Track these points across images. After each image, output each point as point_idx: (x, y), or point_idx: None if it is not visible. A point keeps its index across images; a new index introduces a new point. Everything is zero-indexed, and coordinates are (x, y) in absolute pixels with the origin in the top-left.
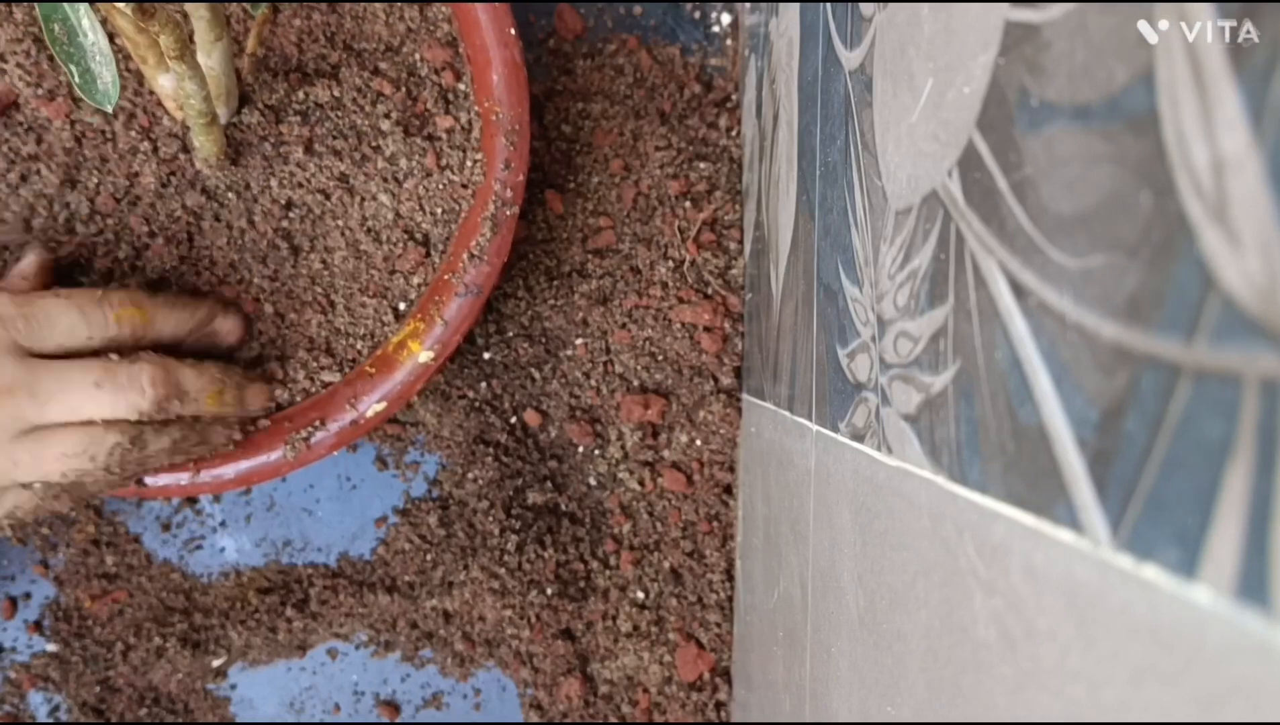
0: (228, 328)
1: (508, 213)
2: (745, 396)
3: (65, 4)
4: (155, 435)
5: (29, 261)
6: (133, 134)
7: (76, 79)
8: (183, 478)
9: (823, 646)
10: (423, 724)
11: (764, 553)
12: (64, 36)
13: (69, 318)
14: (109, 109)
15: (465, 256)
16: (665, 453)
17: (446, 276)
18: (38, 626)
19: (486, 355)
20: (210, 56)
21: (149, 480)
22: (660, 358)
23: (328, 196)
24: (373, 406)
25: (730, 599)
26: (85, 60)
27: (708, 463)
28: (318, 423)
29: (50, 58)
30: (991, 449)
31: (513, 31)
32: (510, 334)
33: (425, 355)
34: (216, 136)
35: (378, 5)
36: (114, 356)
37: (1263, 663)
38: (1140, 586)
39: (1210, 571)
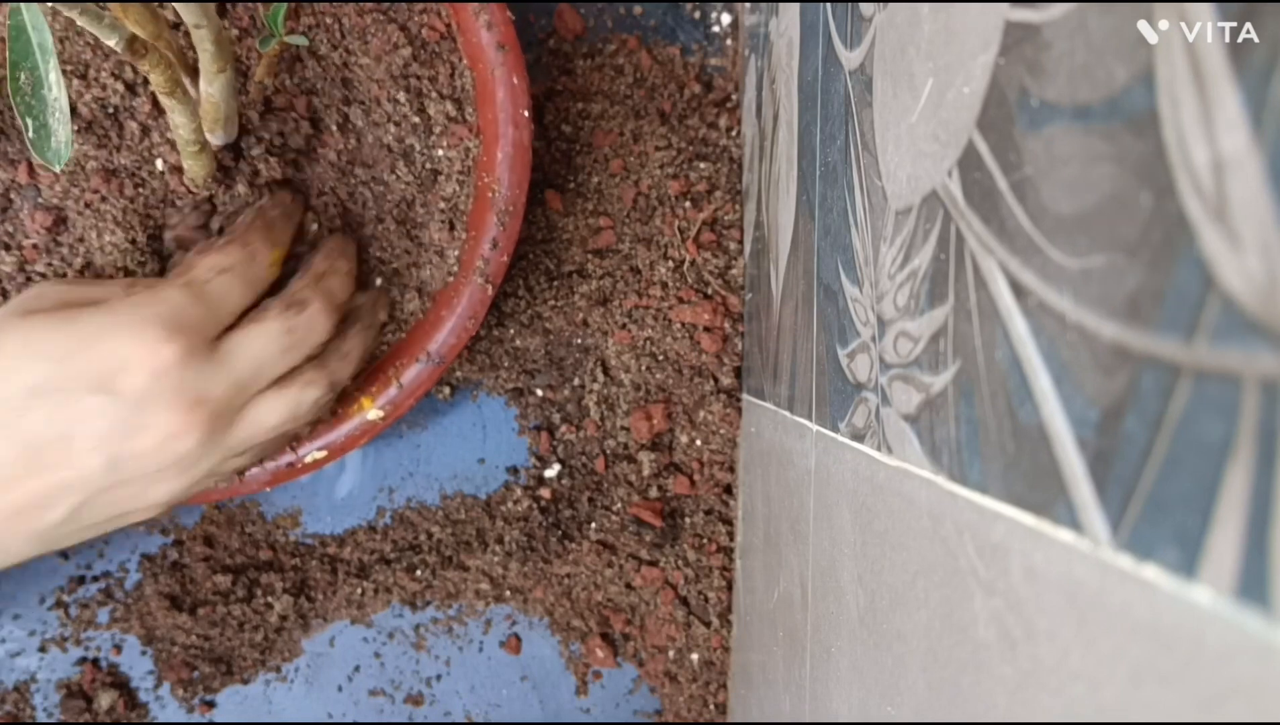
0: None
1: (489, 290)
2: (745, 396)
3: (38, 57)
4: (340, 362)
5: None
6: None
7: (31, 132)
8: None
9: (823, 646)
10: (446, 724)
11: (764, 552)
12: (28, 87)
13: (238, 293)
14: (57, 169)
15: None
16: (668, 455)
17: (413, 337)
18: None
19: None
20: (213, 85)
21: None
22: (660, 358)
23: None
24: (312, 453)
25: (729, 598)
26: (44, 115)
27: (708, 463)
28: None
29: None
30: (991, 449)
31: (526, 114)
32: (510, 333)
33: (375, 413)
34: (205, 162)
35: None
36: (288, 312)
37: (1263, 663)
38: (1140, 586)
39: (1210, 571)
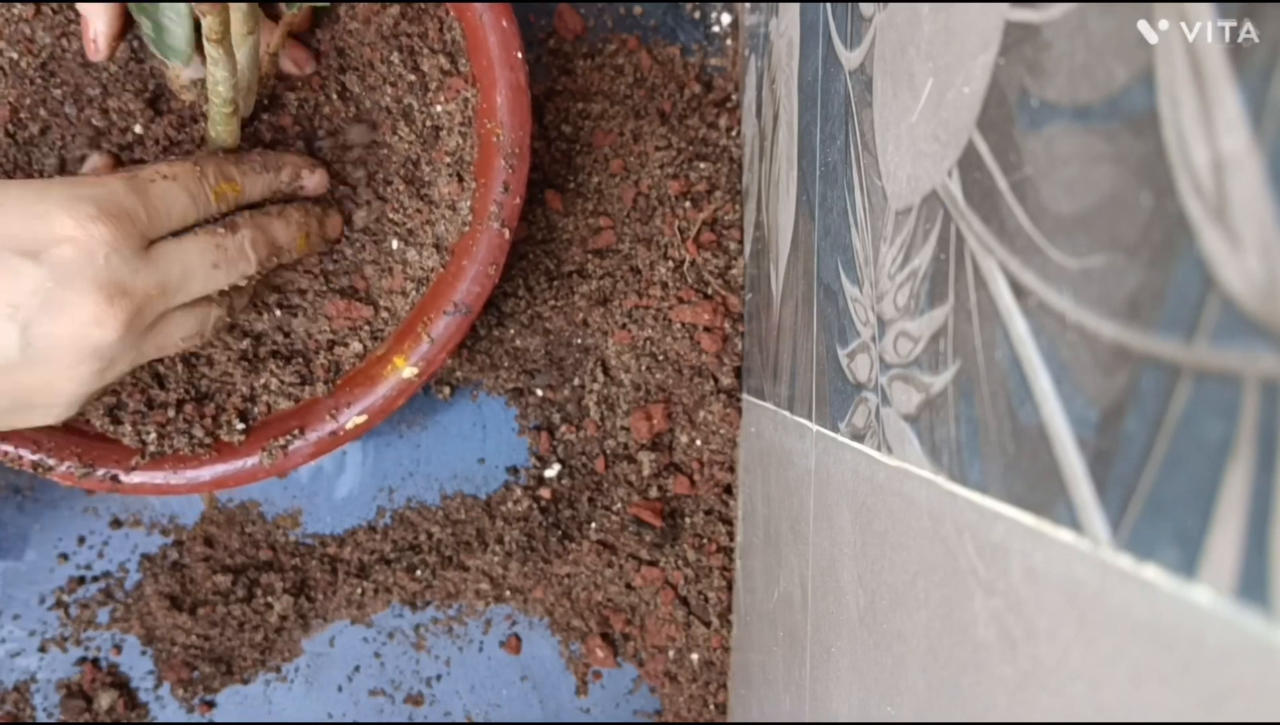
0: (314, 183)
1: (506, 235)
2: (745, 396)
3: None
4: (239, 296)
5: (94, 162)
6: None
7: (149, 32)
8: (158, 477)
9: (823, 646)
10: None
11: (764, 552)
12: None
13: (181, 203)
14: (180, 63)
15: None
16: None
17: (440, 289)
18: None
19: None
20: (240, 50)
21: (124, 478)
22: (660, 358)
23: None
24: (353, 418)
25: (729, 598)
26: (158, 14)
27: (708, 463)
28: (297, 432)
29: None
30: (991, 449)
31: (519, 55)
32: (510, 332)
33: (410, 371)
34: (234, 128)
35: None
36: (220, 231)
37: (1263, 663)
38: (1140, 586)
39: (1210, 571)
